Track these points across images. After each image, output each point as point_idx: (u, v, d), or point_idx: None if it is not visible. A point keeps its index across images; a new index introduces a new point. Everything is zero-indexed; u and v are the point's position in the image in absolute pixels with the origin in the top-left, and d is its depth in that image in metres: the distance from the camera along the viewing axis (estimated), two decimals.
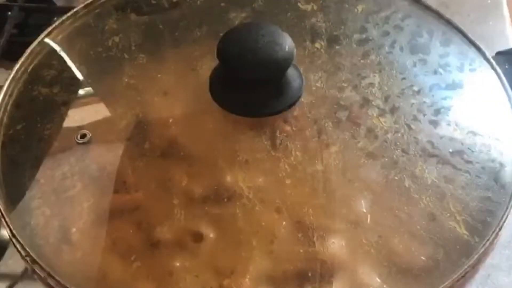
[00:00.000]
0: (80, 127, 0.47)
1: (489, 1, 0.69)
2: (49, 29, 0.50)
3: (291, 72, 0.44)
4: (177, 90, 0.48)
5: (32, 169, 0.46)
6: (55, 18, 0.62)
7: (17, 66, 0.48)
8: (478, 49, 0.49)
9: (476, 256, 0.38)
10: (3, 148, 0.44)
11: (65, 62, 0.50)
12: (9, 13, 0.65)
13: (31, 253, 0.38)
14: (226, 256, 0.39)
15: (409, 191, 0.41)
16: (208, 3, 0.54)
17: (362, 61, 0.49)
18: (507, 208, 0.40)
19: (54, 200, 0.45)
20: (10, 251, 0.47)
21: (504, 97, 0.47)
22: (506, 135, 0.45)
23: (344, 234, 0.39)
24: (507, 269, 0.49)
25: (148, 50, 0.51)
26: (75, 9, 0.52)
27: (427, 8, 0.52)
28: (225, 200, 0.40)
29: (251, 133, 0.44)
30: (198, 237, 0.40)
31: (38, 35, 0.50)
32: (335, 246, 0.39)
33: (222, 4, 0.54)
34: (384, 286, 0.38)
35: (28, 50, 0.49)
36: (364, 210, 0.40)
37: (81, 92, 0.49)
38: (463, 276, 0.38)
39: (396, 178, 0.42)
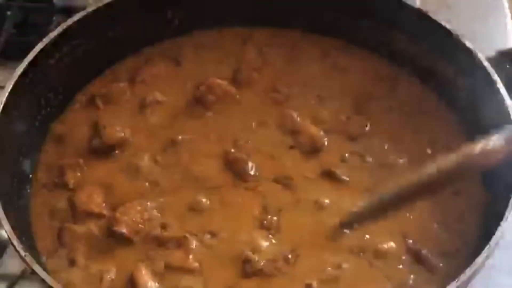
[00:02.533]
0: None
1: (490, 0, 0.69)
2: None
3: None
4: None
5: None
6: (54, 18, 0.61)
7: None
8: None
9: None
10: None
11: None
12: (8, 12, 0.64)
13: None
14: None
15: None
16: None
17: None
18: None
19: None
20: (9, 252, 0.47)
21: None
22: None
23: None
24: (508, 269, 0.49)
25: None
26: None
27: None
28: None
29: None
30: None
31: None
32: None
33: None
34: None
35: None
36: None
37: None
38: None
39: None
